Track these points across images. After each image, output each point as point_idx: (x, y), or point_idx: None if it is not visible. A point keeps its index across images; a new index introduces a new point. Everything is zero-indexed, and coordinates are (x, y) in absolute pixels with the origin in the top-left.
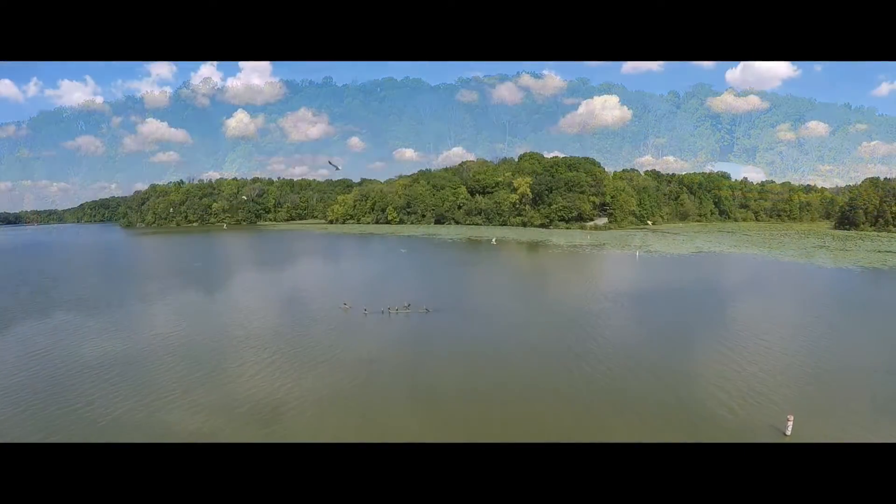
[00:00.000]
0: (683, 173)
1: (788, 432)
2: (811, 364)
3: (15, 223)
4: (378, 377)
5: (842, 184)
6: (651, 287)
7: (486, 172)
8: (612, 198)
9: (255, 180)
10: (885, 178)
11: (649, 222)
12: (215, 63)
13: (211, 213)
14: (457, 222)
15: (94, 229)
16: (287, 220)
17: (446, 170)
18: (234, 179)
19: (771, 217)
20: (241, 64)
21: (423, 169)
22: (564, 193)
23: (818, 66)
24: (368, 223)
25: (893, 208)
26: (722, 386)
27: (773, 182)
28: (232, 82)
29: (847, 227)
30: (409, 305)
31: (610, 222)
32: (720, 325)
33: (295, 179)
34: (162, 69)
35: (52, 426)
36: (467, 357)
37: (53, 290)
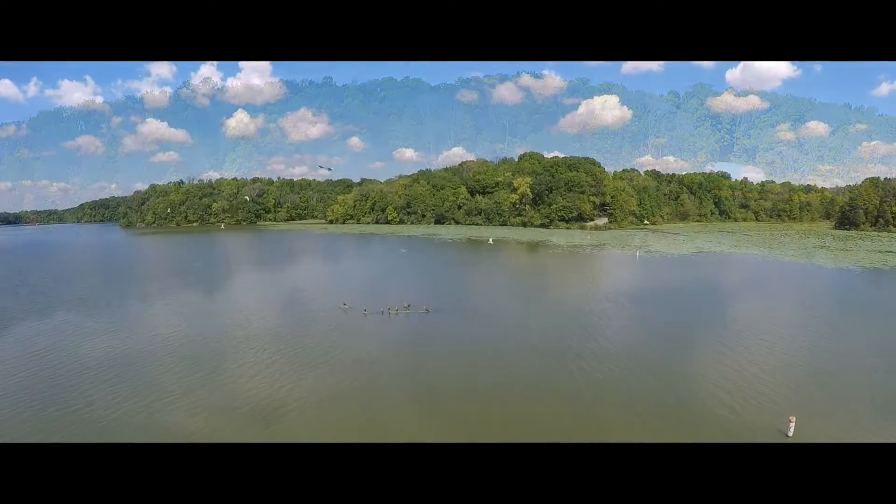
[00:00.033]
0: (683, 173)
1: (791, 433)
2: (812, 364)
3: (15, 223)
4: (378, 377)
5: (842, 184)
6: (651, 287)
7: (486, 172)
8: (612, 198)
9: (255, 180)
10: (886, 178)
11: (646, 222)
12: (215, 63)
13: (211, 214)
14: (457, 222)
15: (94, 229)
16: (287, 220)
17: (446, 170)
18: (234, 179)
19: (771, 217)
20: (241, 64)
21: (423, 169)
22: (564, 193)
23: (818, 66)
24: (368, 223)
25: (894, 208)
26: (723, 386)
27: (773, 182)
28: (232, 82)
29: (847, 227)
30: (409, 306)
31: (610, 222)
32: (721, 325)
33: (295, 179)
34: (162, 69)
35: (51, 427)
36: (467, 357)
37: (53, 290)
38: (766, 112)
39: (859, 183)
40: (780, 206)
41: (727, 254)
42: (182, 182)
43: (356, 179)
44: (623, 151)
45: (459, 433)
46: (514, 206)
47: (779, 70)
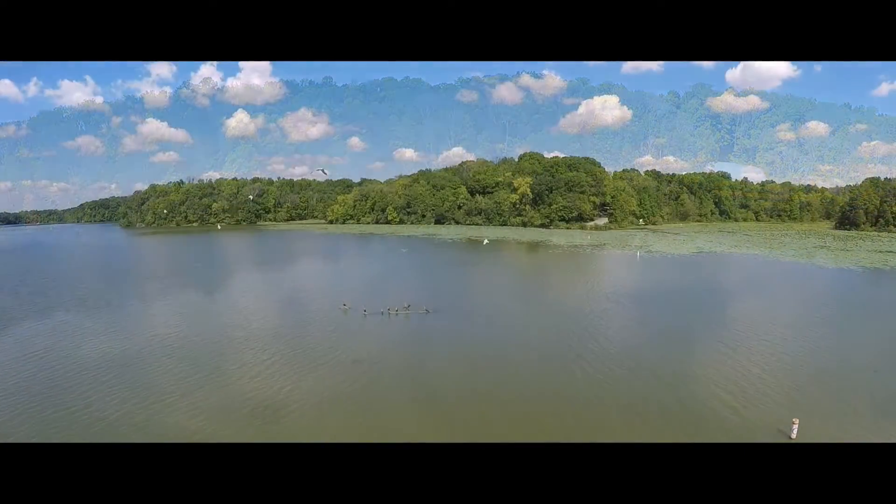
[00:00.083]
0: (683, 173)
1: (794, 435)
2: (813, 364)
3: (15, 223)
4: (378, 378)
5: (842, 184)
6: (652, 287)
7: (486, 172)
8: (612, 198)
9: (255, 180)
10: (886, 178)
11: (640, 221)
12: (215, 63)
13: (211, 214)
14: (457, 222)
15: (94, 229)
16: (287, 220)
17: (446, 170)
18: (234, 179)
19: (771, 217)
20: (241, 64)
21: (423, 169)
22: (564, 193)
23: (818, 66)
24: (368, 223)
25: (894, 208)
26: (724, 386)
27: (773, 182)
28: (232, 82)
29: (847, 227)
30: (408, 306)
31: (610, 222)
32: (721, 326)
33: (295, 179)
34: (162, 69)
35: (50, 428)
36: (467, 357)
37: (53, 290)
38: (766, 112)
39: (859, 183)
40: (781, 206)
41: (727, 254)
42: (182, 182)
43: (356, 179)
44: (623, 151)
45: (459, 433)
46: (514, 206)
47: (779, 70)
